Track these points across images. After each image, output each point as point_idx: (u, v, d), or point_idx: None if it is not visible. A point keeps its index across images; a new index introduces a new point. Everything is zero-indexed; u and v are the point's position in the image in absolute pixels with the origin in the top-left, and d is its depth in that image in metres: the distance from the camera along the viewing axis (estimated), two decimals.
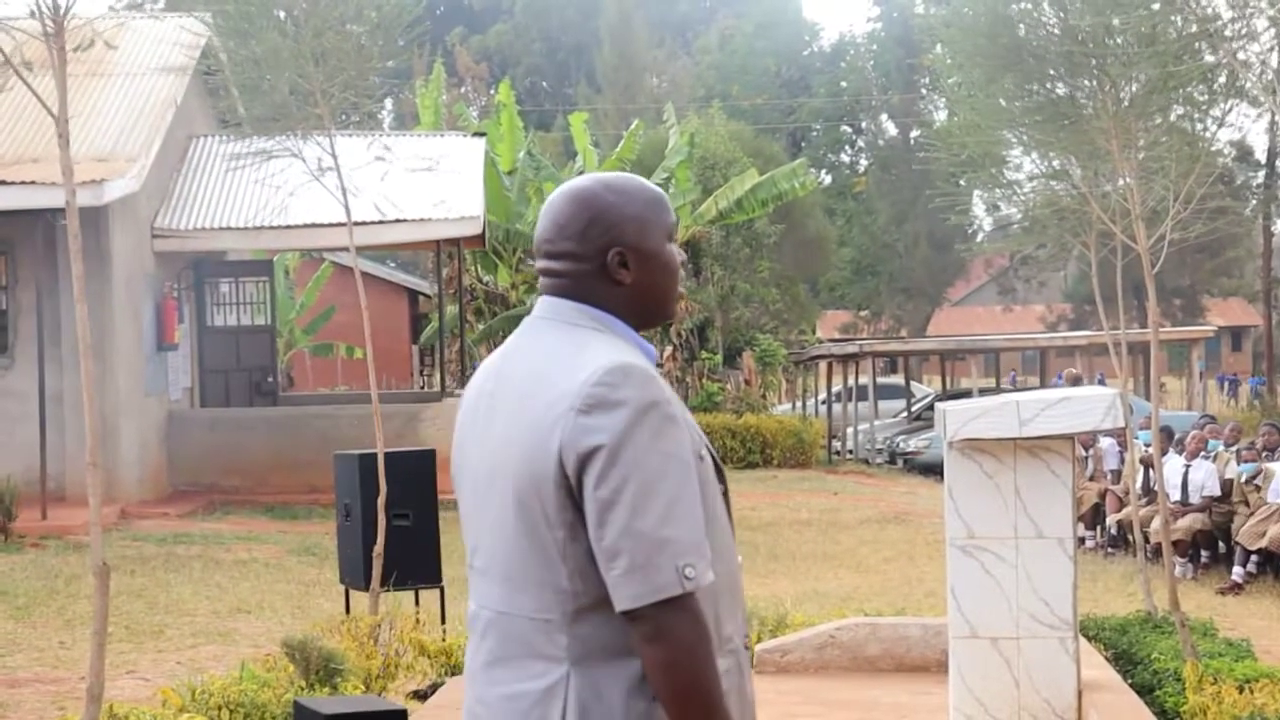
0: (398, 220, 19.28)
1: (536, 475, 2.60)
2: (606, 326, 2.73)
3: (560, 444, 2.58)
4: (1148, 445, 14.26)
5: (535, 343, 2.74)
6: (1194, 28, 8.14)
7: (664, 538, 2.54)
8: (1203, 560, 14.89)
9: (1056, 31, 9.16)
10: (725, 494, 2.79)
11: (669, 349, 30.23)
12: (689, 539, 2.56)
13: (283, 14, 11.07)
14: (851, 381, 32.90)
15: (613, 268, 2.73)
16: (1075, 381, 26.81)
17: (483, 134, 24.77)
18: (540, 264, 2.80)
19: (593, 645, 2.60)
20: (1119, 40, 8.83)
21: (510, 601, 2.68)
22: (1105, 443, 16.77)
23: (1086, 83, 9.25)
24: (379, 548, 9.29)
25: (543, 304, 2.79)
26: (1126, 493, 14.98)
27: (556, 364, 2.65)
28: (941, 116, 44.39)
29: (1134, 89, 8.87)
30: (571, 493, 2.58)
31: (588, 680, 2.60)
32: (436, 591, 9.94)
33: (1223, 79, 9.01)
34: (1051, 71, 9.39)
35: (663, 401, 2.60)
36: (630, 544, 2.53)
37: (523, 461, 2.62)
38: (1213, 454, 15.22)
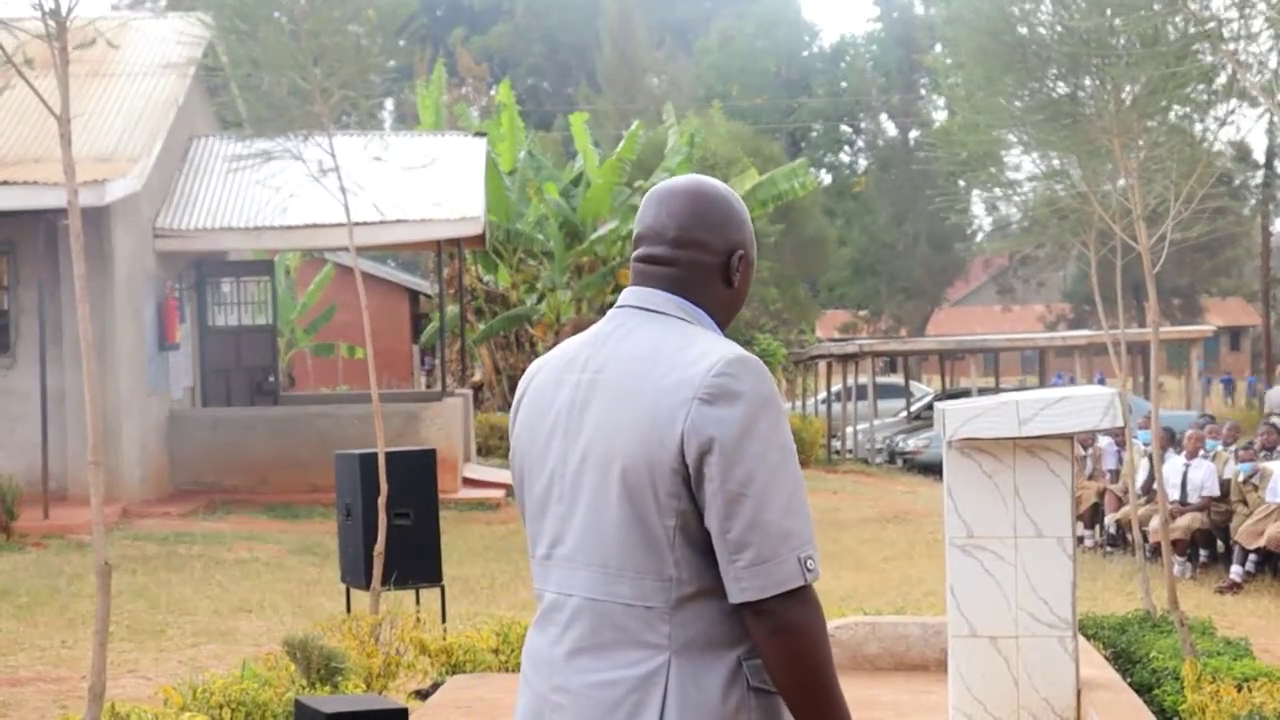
0: (398, 220, 19.31)
1: (652, 462, 2.60)
2: (702, 321, 2.75)
3: (682, 432, 2.58)
4: (1147, 445, 14.29)
5: (637, 331, 2.73)
6: (1193, 28, 8.16)
7: (787, 530, 2.57)
8: (1201, 559, 14.92)
9: (1059, 29, 9.18)
10: None
11: None
12: (807, 531, 2.59)
13: (280, 14, 11.08)
14: (851, 381, 32.92)
15: (733, 267, 2.78)
16: None
17: (483, 134, 24.78)
18: (654, 251, 2.78)
19: (693, 635, 2.61)
20: (1121, 40, 8.85)
21: (606, 589, 2.66)
22: (1104, 442, 16.79)
23: (1088, 82, 9.27)
24: (380, 547, 9.31)
25: (639, 293, 2.77)
26: (1125, 492, 15.01)
27: (667, 353, 2.66)
28: (941, 116, 44.42)
29: (1136, 89, 8.89)
30: (687, 481, 2.59)
31: (688, 669, 2.61)
32: (437, 590, 9.96)
33: (1222, 79, 9.04)
34: (1053, 71, 9.41)
35: (776, 395, 2.64)
36: (758, 537, 2.55)
37: (636, 448, 2.62)
38: (1211, 453, 15.25)
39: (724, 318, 2.80)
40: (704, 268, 2.76)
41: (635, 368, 2.67)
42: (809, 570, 2.56)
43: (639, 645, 2.63)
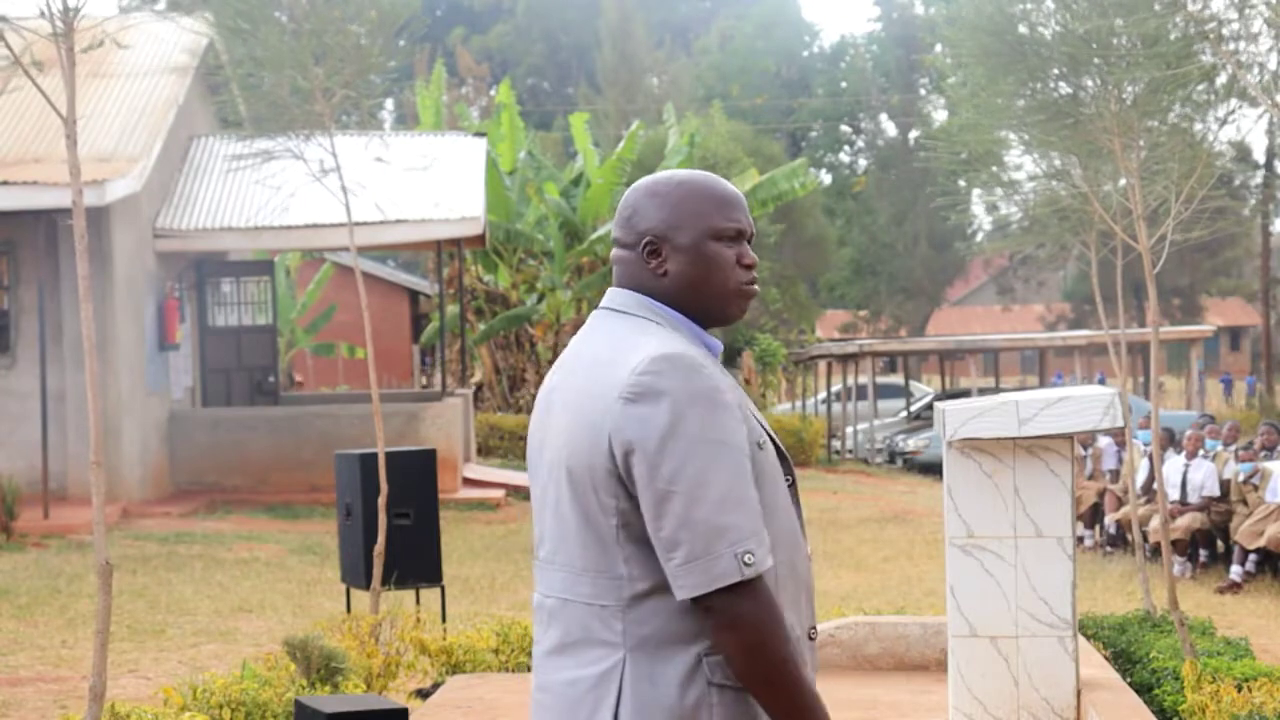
0: (398, 220, 19.31)
1: (590, 463, 2.64)
2: (664, 318, 2.76)
3: (609, 432, 2.61)
4: (1147, 445, 14.29)
5: (597, 333, 2.78)
6: (1193, 29, 8.16)
7: (722, 526, 2.56)
8: (1201, 559, 14.92)
9: (1060, 29, 9.18)
10: (793, 485, 2.82)
11: None
12: (747, 525, 2.58)
13: (281, 14, 11.09)
14: (851, 381, 32.92)
15: (644, 256, 2.78)
16: None
17: (483, 134, 24.78)
18: (611, 252, 2.88)
19: (648, 632, 2.63)
20: (1122, 40, 8.85)
21: (572, 589, 2.71)
22: (1104, 442, 16.80)
23: (1089, 82, 9.26)
24: (380, 547, 9.31)
25: (610, 294, 2.84)
26: (1125, 492, 15.01)
27: (614, 353, 2.69)
28: (941, 116, 44.39)
29: (1136, 89, 8.88)
30: (622, 480, 2.61)
31: (644, 666, 2.62)
32: (437, 590, 9.96)
33: (1222, 79, 9.03)
34: (1054, 71, 9.40)
35: (710, 390, 2.61)
36: (688, 535, 2.56)
37: (578, 450, 2.66)
38: (1211, 453, 15.25)
39: (687, 307, 2.77)
40: (627, 262, 2.80)
41: (588, 368, 2.71)
42: (747, 565, 2.55)
43: (598, 644, 2.66)
